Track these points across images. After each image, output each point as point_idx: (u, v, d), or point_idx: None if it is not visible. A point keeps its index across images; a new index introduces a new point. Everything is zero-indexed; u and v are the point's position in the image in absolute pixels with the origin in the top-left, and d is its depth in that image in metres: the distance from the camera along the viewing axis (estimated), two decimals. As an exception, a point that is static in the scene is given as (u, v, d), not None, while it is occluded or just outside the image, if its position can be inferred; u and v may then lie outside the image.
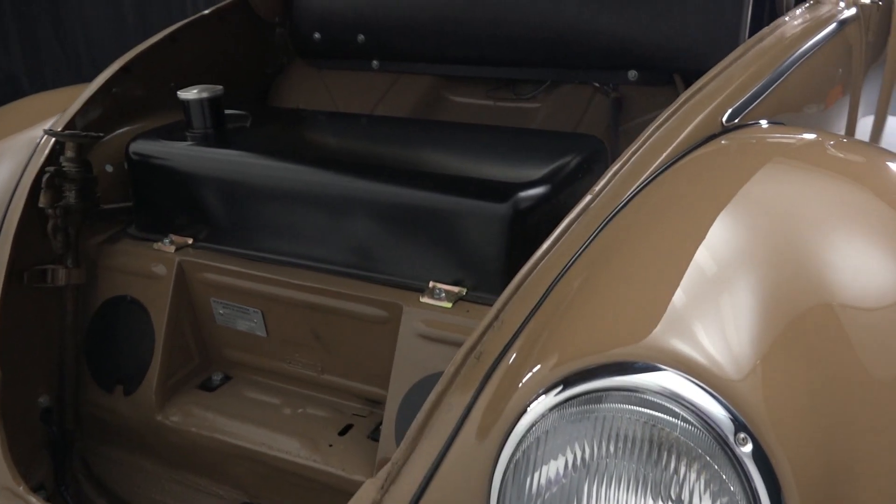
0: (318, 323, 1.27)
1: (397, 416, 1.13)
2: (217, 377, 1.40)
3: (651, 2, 1.60)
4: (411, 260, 1.20)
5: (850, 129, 1.71)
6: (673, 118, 1.05)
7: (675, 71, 1.65)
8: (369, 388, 1.27)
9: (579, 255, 0.91)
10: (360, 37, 1.89)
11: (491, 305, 1.13)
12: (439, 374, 1.12)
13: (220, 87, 1.42)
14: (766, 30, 1.28)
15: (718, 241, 0.84)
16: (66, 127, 1.41)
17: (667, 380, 0.72)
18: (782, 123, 1.21)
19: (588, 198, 0.97)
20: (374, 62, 1.93)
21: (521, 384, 0.80)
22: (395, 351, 1.16)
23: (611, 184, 0.97)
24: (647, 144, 1.01)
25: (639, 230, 0.91)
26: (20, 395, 1.33)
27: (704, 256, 0.83)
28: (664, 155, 0.99)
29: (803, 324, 0.77)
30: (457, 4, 1.77)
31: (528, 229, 1.13)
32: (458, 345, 1.11)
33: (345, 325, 1.24)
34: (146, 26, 4.81)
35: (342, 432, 1.23)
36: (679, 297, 0.79)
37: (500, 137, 1.38)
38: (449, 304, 1.15)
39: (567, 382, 0.76)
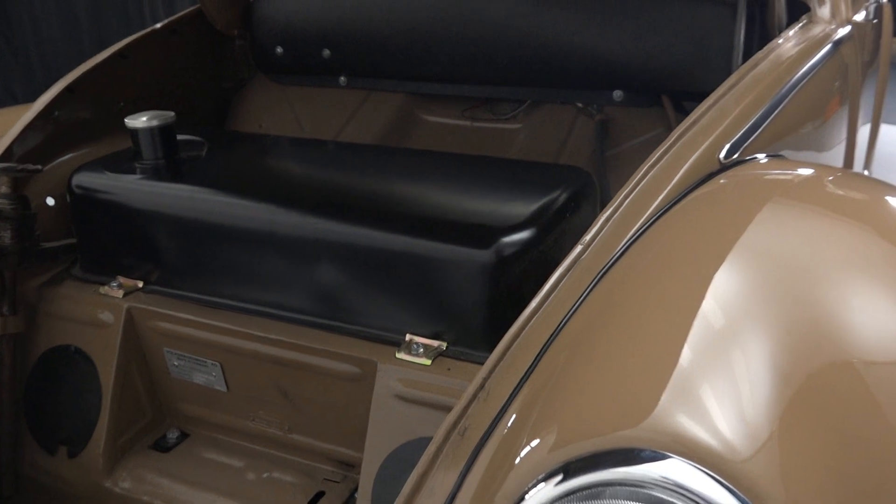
0: (284, 378, 1.15)
1: (374, 487, 1.02)
2: (173, 435, 1.27)
3: (636, 19, 1.51)
4: (385, 310, 1.09)
5: (850, 143, 1.65)
6: (667, 156, 0.96)
7: (663, 92, 1.56)
8: (342, 450, 1.16)
9: (571, 315, 0.82)
10: (326, 51, 1.77)
11: (474, 362, 1.04)
12: (419, 440, 1.02)
13: (172, 113, 1.30)
14: (759, 54, 1.20)
15: (723, 300, 0.76)
16: (2, 157, 1.27)
17: (676, 471, 0.64)
18: (781, 155, 1.14)
19: (578, 249, 0.87)
20: (342, 78, 1.82)
21: (516, 462, 0.70)
22: (369, 411, 1.05)
23: (602, 232, 0.88)
24: (639, 187, 0.92)
25: (635, 287, 0.82)
26: None
27: (709, 317, 0.75)
28: (659, 199, 0.90)
29: (823, 389, 0.69)
30: (430, 19, 1.66)
31: (512, 277, 1.03)
32: (439, 407, 1.02)
33: (313, 382, 1.13)
34: (100, 27, 4.61)
35: (313, 501, 1.12)
36: (683, 365, 0.70)
37: (480, 170, 1.28)
38: (427, 361, 1.04)
39: (568, 471, 0.67)
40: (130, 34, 1.61)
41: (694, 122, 1.00)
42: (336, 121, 1.82)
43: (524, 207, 1.09)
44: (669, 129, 1.57)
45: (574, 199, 1.14)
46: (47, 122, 1.37)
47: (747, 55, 1.44)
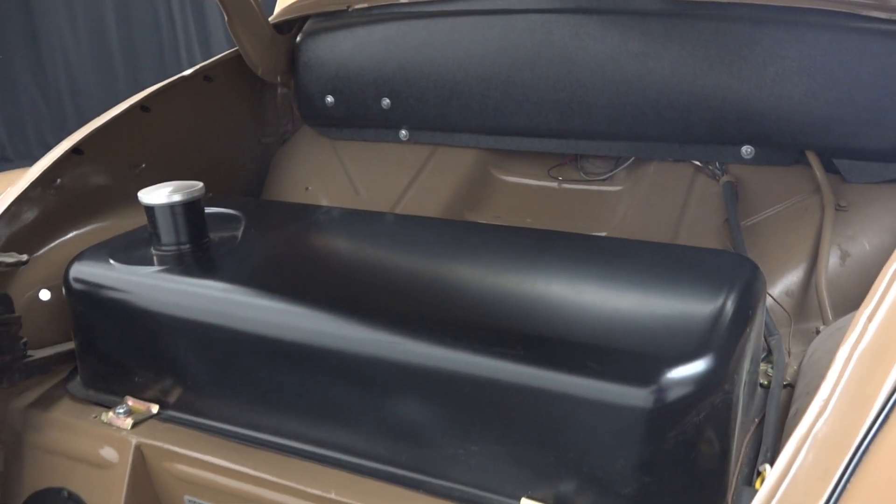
0: None
1: None
2: None
3: (779, 58, 1.20)
4: (486, 462, 0.78)
5: None
6: None
7: (808, 147, 1.25)
8: None
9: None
10: (385, 101, 1.49)
11: None
12: None
13: (199, 184, 1.00)
14: None
15: None
16: None
17: None
18: None
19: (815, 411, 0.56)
20: (403, 132, 1.54)
21: None
22: None
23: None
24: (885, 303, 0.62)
25: None
26: None
27: None
28: None
29: None
30: (512, 62, 1.37)
31: (683, 431, 0.71)
32: None
33: None
34: (136, 72, 4.46)
35: None
36: None
37: (606, 256, 0.96)
38: None
39: None
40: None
41: None
42: (396, 182, 1.52)
43: (689, 320, 0.78)
44: (818, 194, 1.25)
45: (749, 304, 0.83)
46: (47, 192, 1.10)
47: None
